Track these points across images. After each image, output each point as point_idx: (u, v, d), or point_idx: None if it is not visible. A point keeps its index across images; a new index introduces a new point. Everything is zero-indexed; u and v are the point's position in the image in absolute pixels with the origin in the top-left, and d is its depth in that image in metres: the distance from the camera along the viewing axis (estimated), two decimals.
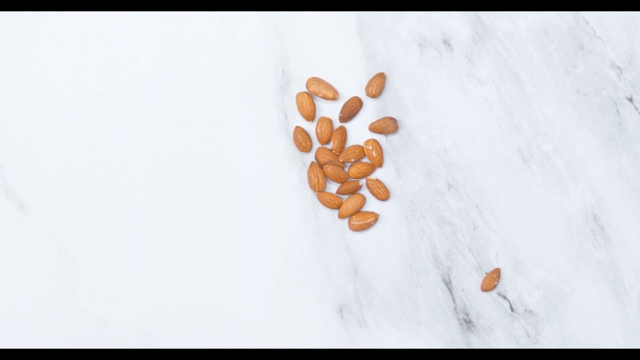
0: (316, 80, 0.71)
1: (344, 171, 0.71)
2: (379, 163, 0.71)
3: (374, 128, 0.71)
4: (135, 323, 0.70)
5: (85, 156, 0.71)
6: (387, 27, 0.72)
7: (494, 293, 0.71)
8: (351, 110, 0.71)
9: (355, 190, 0.71)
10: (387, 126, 0.71)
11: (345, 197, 0.71)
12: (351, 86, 0.72)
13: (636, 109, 0.72)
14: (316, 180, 0.71)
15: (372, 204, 0.72)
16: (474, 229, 0.71)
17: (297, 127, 0.71)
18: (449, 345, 0.71)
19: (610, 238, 0.71)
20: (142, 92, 0.72)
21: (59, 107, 0.71)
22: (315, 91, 0.71)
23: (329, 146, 0.72)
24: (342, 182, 0.71)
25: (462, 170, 0.72)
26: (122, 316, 0.70)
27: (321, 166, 0.71)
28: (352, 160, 0.71)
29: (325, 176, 0.71)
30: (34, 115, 0.71)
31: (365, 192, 0.72)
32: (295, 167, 0.71)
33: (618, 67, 0.72)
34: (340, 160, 0.71)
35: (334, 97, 0.71)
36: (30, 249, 0.71)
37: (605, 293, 0.71)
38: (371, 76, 0.72)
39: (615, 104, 0.72)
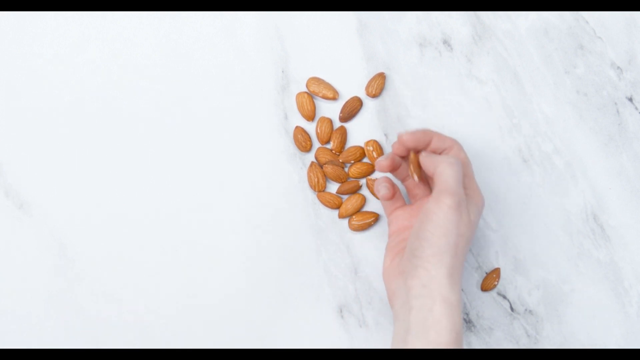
0: (316, 80, 0.71)
1: (344, 171, 0.71)
2: None
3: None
4: (135, 323, 0.70)
5: (85, 156, 0.71)
6: (387, 27, 0.72)
7: (494, 293, 0.71)
8: (351, 110, 0.71)
9: (355, 190, 0.71)
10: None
11: (345, 197, 0.71)
12: (351, 86, 0.72)
13: (636, 109, 0.72)
14: (316, 180, 0.71)
15: (372, 204, 0.72)
16: None
17: (297, 127, 0.71)
18: None
19: (610, 238, 0.71)
20: (142, 92, 0.72)
21: (59, 108, 0.71)
22: (315, 91, 0.71)
23: (329, 146, 0.72)
24: (342, 182, 0.71)
25: None
26: (122, 316, 0.70)
27: (321, 166, 0.71)
28: (352, 160, 0.71)
29: (325, 176, 0.71)
30: (34, 116, 0.71)
31: (365, 192, 0.72)
32: (295, 167, 0.71)
33: (618, 67, 0.72)
34: (340, 161, 0.71)
35: (334, 97, 0.71)
36: (30, 248, 0.71)
37: (605, 293, 0.71)
38: (371, 76, 0.72)
39: (615, 104, 0.72)
